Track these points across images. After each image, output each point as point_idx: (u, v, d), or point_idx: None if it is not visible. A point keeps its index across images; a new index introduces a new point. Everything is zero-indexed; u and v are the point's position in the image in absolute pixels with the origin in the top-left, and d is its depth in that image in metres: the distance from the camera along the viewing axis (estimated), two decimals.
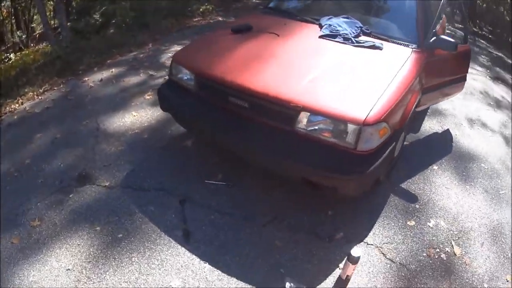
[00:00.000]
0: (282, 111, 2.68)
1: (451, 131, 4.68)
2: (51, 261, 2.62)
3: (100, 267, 2.58)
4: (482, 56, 9.67)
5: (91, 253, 2.67)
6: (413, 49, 3.29)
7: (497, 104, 6.17)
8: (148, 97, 4.61)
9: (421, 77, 3.30)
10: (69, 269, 2.56)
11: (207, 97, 3.06)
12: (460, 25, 8.51)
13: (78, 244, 2.72)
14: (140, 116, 4.20)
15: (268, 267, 2.61)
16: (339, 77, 2.86)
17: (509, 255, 3.13)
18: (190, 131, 3.68)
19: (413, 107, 3.12)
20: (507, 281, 2.92)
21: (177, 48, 6.07)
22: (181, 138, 3.85)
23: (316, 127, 2.62)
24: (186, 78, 3.18)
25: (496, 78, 7.75)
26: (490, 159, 4.36)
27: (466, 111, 5.33)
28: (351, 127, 2.52)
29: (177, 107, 3.23)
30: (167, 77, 3.57)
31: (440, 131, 4.64)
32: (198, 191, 3.15)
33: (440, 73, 3.87)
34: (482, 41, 12.88)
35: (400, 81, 2.88)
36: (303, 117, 2.63)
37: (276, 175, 3.03)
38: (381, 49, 3.25)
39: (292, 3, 4.34)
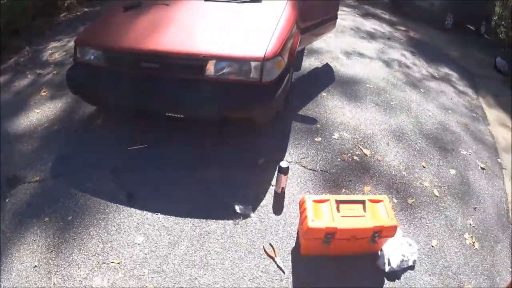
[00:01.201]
0: (192, 64, 3.22)
1: (330, 64, 5.56)
2: (15, 265, 2.80)
3: (64, 251, 2.84)
4: None
5: (50, 243, 2.91)
6: None
7: (371, 36, 7.28)
8: (44, 94, 4.83)
9: (298, 20, 4.02)
10: (36, 266, 2.78)
11: (119, 69, 3.47)
12: None
13: (34, 240, 2.94)
14: (43, 111, 4.44)
15: (212, 200, 3.14)
16: (233, 28, 3.49)
17: (417, 147, 4.11)
18: (104, 106, 4.06)
19: (297, 45, 3.87)
20: (423, 167, 3.83)
21: (54, 45, 6.32)
22: (91, 119, 4.18)
23: (224, 71, 3.22)
24: (93, 57, 3.56)
25: (365, 15, 9.01)
26: (374, 80, 5.32)
27: (341, 46, 6.29)
28: (254, 64, 3.16)
29: (88, 87, 3.59)
30: (72, 61, 3.83)
31: (320, 66, 5.50)
32: (124, 158, 3.54)
33: (313, 15, 4.62)
34: None
35: (284, 23, 3.57)
36: (211, 66, 3.21)
37: (195, 123, 3.62)
38: (260, 1, 3.93)
39: None
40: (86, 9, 8.48)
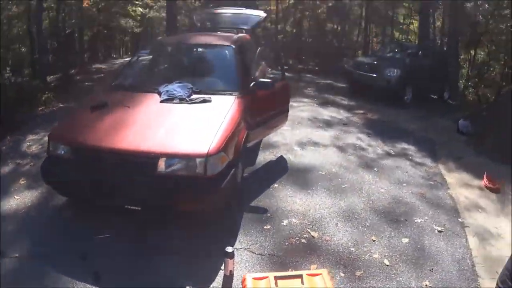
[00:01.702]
0: (145, 161, 3.83)
1: (284, 156, 6.17)
2: None
3: None
4: (309, 88, 11.98)
5: None
6: (236, 96, 4.73)
7: (327, 124, 8.02)
8: (22, 182, 5.38)
9: (246, 116, 4.67)
10: None
11: (85, 164, 4.02)
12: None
13: None
14: (22, 198, 4.95)
15: (168, 282, 3.49)
16: (183, 127, 4.17)
17: (368, 224, 4.54)
18: (73, 198, 4.59)
19: (243, 139, 4.46)
20: (373, 240, 4.22)
21: (32, 137, 7.15)
22: (63, 208, 4.67)
23: (173, 167, 3.81)
24: (63, 152, 4.17)
25: (324, 103, 9.87)
26: (326, 166, 5.90)
27: (296, 138, 6.94)
28: (199, 160, 3.77)
29: (59, 179, 4.14)
30: (46, 155, 4.42)
31: (275, 159, 6.10)
32: (91, 245, 3.94)
33: (264, 109, 5.31)
34: (309, 75, 15.58)
35: (229, 121, 4.23)
36: (162, 162, 3.81)
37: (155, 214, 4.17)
38: (210, 101, 4.64)
39: (131, 80, 5.64)
40: (61, 105, 9.41)
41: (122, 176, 3.90)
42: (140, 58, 6.16)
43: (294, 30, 22.58)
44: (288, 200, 4.90)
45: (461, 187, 6.10)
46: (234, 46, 5.50)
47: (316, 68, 18.79)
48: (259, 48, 5.78)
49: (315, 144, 6.78)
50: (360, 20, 22.35)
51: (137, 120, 4.37)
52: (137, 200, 3.90)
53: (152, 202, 3.86)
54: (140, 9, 23.04)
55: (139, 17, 24.38)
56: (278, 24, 22.03)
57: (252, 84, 5.04)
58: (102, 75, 14.95)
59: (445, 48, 18.20)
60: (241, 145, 4.42)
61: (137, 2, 22.48)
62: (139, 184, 3.85)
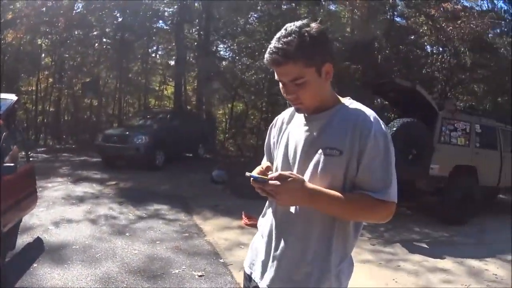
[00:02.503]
0: None
1: (41, 236, 6.42)
2: None
3: None
4: (64, 167, 12.30)
5: None
6: None
7: (80, 200, 8.54)
8: None
9: None
10: None
11: None
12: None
13: None
14: None
15: None
16: None
17: (124, 285, 4.93)
18: None
19: None
20: None
21: None
22: None
23: None
24: None
25: (78, 180, 10.36)
26: (80, 240, 6.35)
27: (51, 218, 7.23)
28: None
29: None
30: None
31: (32, 240, 6.30)
32: None
33: (11, 194, 5.36)
34: (66, 153, 15.79)
35: None
36: None
37: None
38: None
39: None
40: None
41: None
42: None
43: (53, 109, 22.26)
44: (48, 277, 5.15)
45: (220, 231, 6.97)
46: None
47: (73, 146, 19.03)
48: (4, 133, 5.97)
49: (69, 221, 7.15)
50: (115, 92, 23.04)
51: None
52: None
53: None
54: None
55: None
56: (38, 104, 21.45)
57: None
58: None
59: (204, 107, 20.28)
60: None
61: None
62: None
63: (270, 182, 1.63)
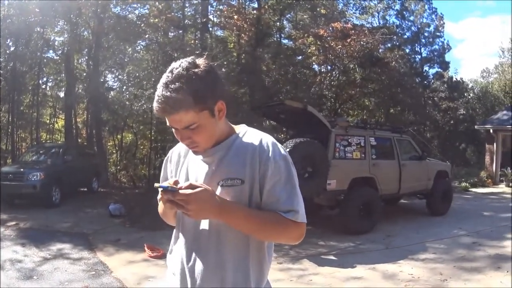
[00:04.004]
0: None
1: None
2: None
3: None
4: None
5: None
6: None
7: None
8: None
9: None
10: None
11: None
12: None
13: None
14: None
15: None
16: None
17: None
18: None
19: None
20: None
21: None
22: None
23: None
24: None
25: None
26: None
27: None
28: None
29: None
30: None
31: None
32: None
33: None
34: None
35: None
36: None
37: None
38: None
39: None
40: None
41: None
42: None
43: None
44: None
45: (125, 266, 6.99)
46: None
47: None
48: None
49: None
50: (8, 126, 21.99)
51: None
52: None
53: None
54: None
55: None
56: None
57: None
58: None
59: (94, 140, 20.00)
60: None
61: None
62: None
63: (181, 191, 1.60)
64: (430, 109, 28.63)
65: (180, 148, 1.93)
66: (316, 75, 20.56)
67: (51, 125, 25.31)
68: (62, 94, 23.05)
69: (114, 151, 23.56)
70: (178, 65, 1.63)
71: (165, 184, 1.67)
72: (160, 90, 1.61)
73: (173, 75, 1.60)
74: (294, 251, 7.98)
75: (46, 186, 12.18)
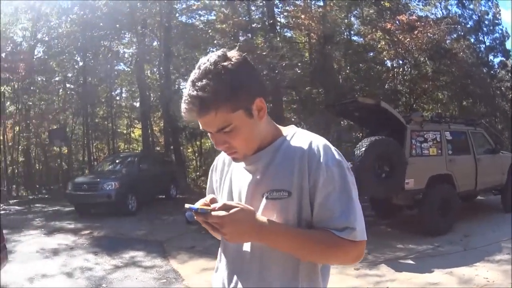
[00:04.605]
0: None
1: None
2: None
3: None
4: (37, 219, 12.25)
5: None
6: None
7: (54, 252, 8.46)
8: None
9: None
10: None
11: None
12: None
13: None
14: None
15: None
16: None
17: None
18: None
19: None
20: None
21: None
22: None
23: None
24: None
25: (51, 232, 10.33)
26: None
27: (25, 274, 7.08)
28: None
29: None
30: None
31: None
32: None
33: None
34: (39, 204, 15.70)
35: None
36: None
37: None
38: None
39: None
40: None
41: None
42: None
43: (23, 159, 22.05)
44: None
45: (198, 273, 6.96)
46: None
47: (46, 196, 18.90)
48: None
49: (44, 276, 7.11)
50: (84, 138, 22.91)
51: None
52: None
53: None
54: None
55: None
56: (7, 154, 21.19)
57: None
58: None
59: (172, 147, 20.34)
60: None
61: None
62: None
63: (213, 213, 1.41)
64: (499, 99, 26.80)
65: (224, 155, 1.70)
66: (389, 70, 20.02)
67: (128, 135, 26.11)
68: (137, 104, 23.72)
69: (193, 158, 23.97)
70: (206, 60, 1.43)
71: (197, 205, 1.50)
72: (187, 89, 1.43)
73: (200, 71, 1.41)
74: (372, 256, 7.61)
75: (121, 195, 12.34)
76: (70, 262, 7.91)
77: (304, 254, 1.48)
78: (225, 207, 1.41)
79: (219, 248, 1.75)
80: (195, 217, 1.48)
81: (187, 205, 1.50)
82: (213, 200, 1.52)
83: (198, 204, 1.52)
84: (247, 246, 1.55)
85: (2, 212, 13.39)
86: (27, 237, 9.80)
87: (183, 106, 1.42)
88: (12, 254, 6.87)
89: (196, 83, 1.39)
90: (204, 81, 1.38)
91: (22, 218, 12.55)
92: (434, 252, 7.88)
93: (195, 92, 1.38)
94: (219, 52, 1.45)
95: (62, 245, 9.06)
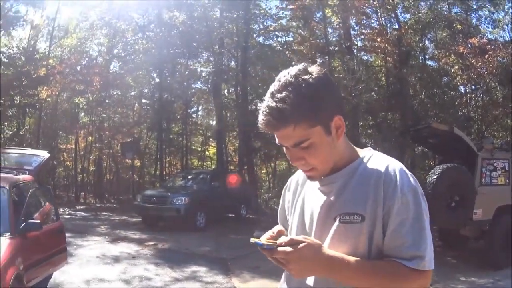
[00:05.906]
0: None
1: None
2: None
3: None
4: (102, 226, 12.22)
5: None
6: (7, 237, 4.71)
7: (115, 259, 8.25)
8: None
9: (17, 256, 4.66)
10: None
11: None
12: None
13: None
14: None
15: None
16: None
17: None
18: None
19: (11, 279, 4.38)
20: None
21: None
22: None
23: None
24: None
25: (115, 240, 10.14)
26: None
27: (83, 276, 6.93)
28: None
29: None
30: None
31: None
32: None
33: (38, 249, 5.31)
34: (106, 212, 15.87)
35: None
36: None
37: None
38: None
39: None
40: None
41: None
42: None
43: (94, 168, 22.65)
44: None
45: None
46: (7, 187, 5.49)
47: (115, 205, 19.16)
48: (30, 190, 5.91)
49: (101, 280, 6.89)
50: (157, 153, 23.16)
51: None
52: None
53: None
54: None
55: None
56: (78, 163, 21.83)
57: (22, 225, 5.05)
58: None
59: (245, 167, 20.18)
60: (9, 282, 4.35)
61: None
62: None
63: (279, 248, 1.37)
64: None
65: (298, 175, 1.68)
66: (462, 96, 19.27)
67: (202, 152, 26.20)
68: (213, 122, 23.83)
69: (267, 179, 23.92)
70: (287, 72, 1.40)
71: (263, 237, 1.53)
72: (266, 101, 1.38)
73: (280, 83, 1.37)
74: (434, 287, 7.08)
75: (190, 211, 12.11)
76: (130, 270, 7.63)
77: (370, 286, 1.42)
78: (292, 242, 1.37)
79: (284, 272, 1.64)
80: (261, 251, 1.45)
81: (253, 240, 1.46)
82: (281, 233, 1.56)
83: (265, 236, 1.53)
84: (310, 280, 1.49)
85: (67, 216, 13.55)
86: (90, 242, 9.69)
87: (261, 117, 1.38)
88: (72, 257, 6.81)
89: (276, 95, 1.35)
90: (284, 93, 1.34)
91: (87, 224, 12.65)
92: (493, 286, 7.53)
93: (274, 104, 1.34)
94: (300, 66, 1.41)
95: (124, 253, 8.82)
